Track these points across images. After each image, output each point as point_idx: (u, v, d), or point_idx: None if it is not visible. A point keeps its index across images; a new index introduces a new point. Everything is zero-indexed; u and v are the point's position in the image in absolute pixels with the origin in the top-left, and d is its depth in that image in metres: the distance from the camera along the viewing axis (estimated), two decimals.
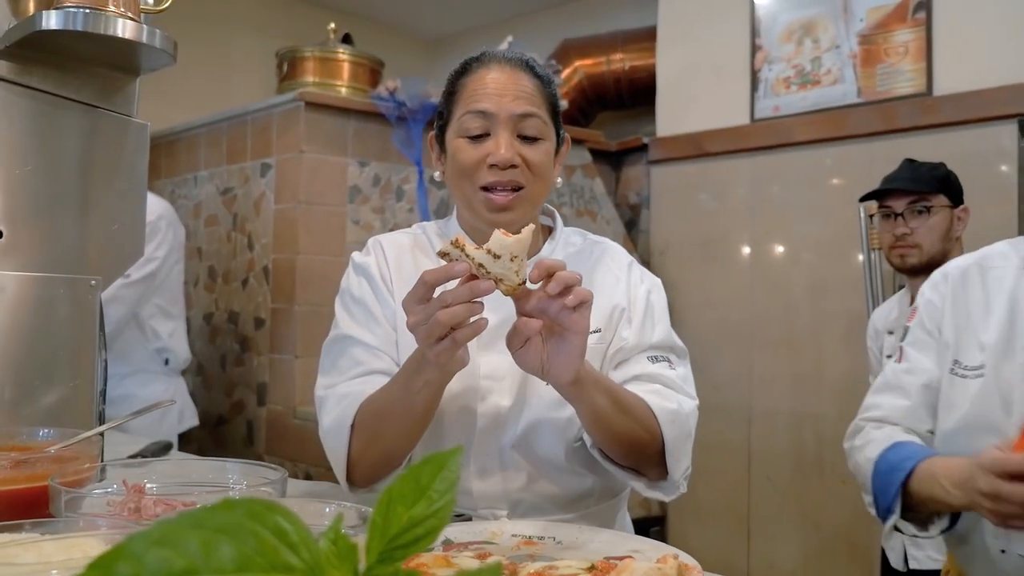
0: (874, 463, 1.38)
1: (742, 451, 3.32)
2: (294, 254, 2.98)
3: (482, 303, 1.06)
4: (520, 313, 1.08)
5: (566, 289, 1.05)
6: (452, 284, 1.06)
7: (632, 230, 3.67)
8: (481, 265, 1.04)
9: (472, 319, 1.06)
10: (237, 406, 3.23)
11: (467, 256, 1.04)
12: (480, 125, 1.26)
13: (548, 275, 1.05)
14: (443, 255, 1.06)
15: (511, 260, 1.04)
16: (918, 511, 1.34)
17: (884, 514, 1.36)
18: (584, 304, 1.07)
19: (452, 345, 1.06)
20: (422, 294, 1.06)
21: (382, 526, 0.50)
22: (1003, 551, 1.28)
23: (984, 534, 1.30)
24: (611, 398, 1.19)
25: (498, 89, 1.26)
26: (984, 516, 1.19)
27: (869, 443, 1.42)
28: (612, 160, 3.78)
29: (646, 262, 3.58)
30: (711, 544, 3.35)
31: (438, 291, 1.07)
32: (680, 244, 3.53)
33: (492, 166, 1.25)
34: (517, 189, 1.26)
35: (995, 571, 1.30)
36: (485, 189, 1.26)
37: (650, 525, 3.43)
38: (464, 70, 1.31)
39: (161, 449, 1.67)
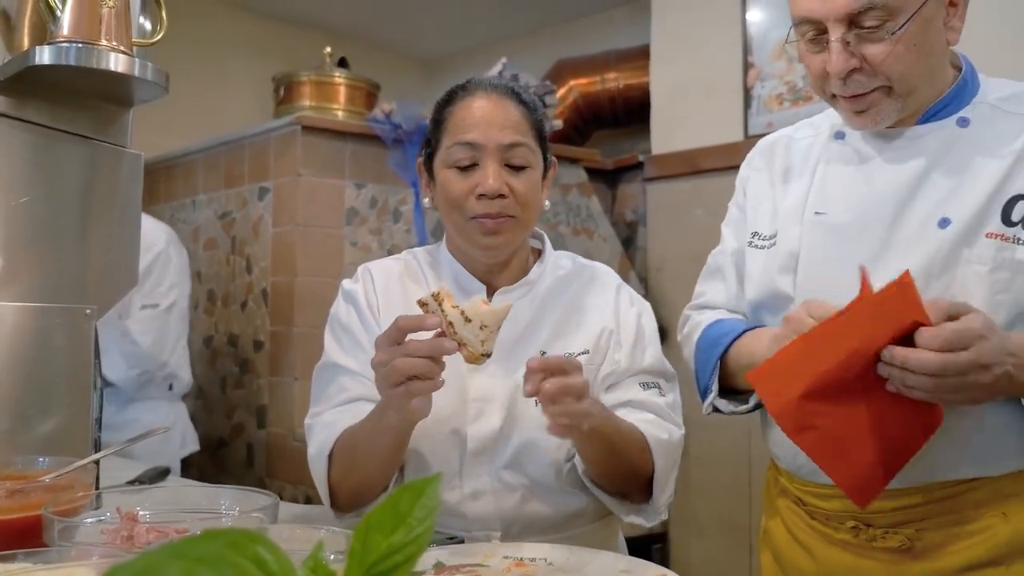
0: (696, 343, 1.36)
1: (742, 464, 3.32)
2: (292, 276, 2.99)
3: (443, 362, 1.08)
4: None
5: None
6: (427, 335, 1.08)
7: (629, 247, 3.68)
8: (451, 324, 1.06)
9: (432, 376, 1.08)
10: (237, 429, 3.24)
11: (442, 311, 1.06)
12: (468, 156, 1.28)
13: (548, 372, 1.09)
14: (422, 304, 1.09)
15: (480, 328, 1.06)
16: (738, 388, 1.30)
17: (703, 394, 1.33)
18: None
19: (406, 393, 1.08)
20: (393, 337, 1.09)
21: (360, 554, 0.51)
22: None
23: None
24: (614, 436, 1.22)
25: (485, 118, 1.28)
26: None
27: (695, 328, 1.40)
28: (608, 178, 3.79)
29: (644, 279, 3.59)
30: (713, 558, 3.34)
31: (411, 337, 1.09)
32: (677, 260, 3.54)
33: (481, 196, 1.27)
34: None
35: (785, 448, 1.27)
36: (474, 218, 1.28)
37: (652, 542, 3.42)
38: (450, 99, 1.33)
39: (159, 474, 1.68)
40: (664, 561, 3.45)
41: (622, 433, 1.24)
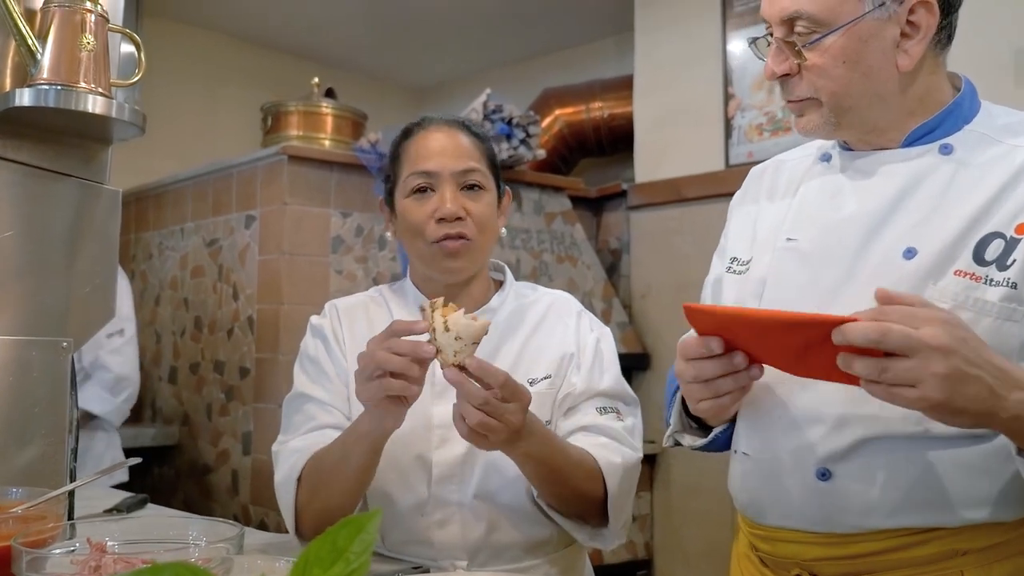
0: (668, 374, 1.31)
1: (726, 491, 3.34)
2: (278, 304, 3.02)
3: (424, 368, 1.12)
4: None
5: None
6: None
7: (613, 275, 3.72)
8: (433, 329, 1.11)
9: (408, 375, 1.12)
10: (223, 456, 3.25)
11: (432, 318, 1.12)
12: (425, 183, 1.35)
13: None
14: (422, 309, 1.15)
15: (455, 339, 1.11)
16: (702, 421, 1.25)
17: (667, 427, 1.29)
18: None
19: (379, 390, 1.13)
20: (382, 337, 1.15)
21: None
22: (736, 451, 1.24)
23: (734, 438, 1.24)
24: (557, 456, 1.25)
25: (439, 148, 1.35)
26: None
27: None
28: (592, 206, 3.84)
29: (627, 306, 3.62)
30: None
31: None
32: (660, 288, 3.58)
33: (440, 220, 1.33)
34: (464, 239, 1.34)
35: (739, 478, 1.24)
36: (436, 243, 1.34)
37: (637, 568, 3.44)
38: (406, 135, 1.41)
39: (137, 503, 1.69)
40: None
41: (567, 457, 1.27)
